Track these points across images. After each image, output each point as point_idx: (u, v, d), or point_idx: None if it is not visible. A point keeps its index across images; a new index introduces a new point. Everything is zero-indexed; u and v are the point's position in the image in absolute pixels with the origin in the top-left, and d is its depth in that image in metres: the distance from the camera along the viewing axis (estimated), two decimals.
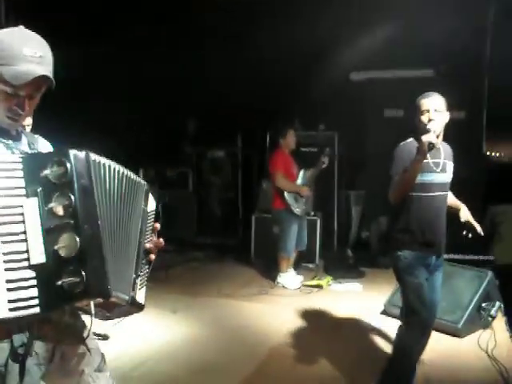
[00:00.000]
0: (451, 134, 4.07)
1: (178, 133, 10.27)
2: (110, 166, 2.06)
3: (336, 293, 7.13)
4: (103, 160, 2.04)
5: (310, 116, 8.92)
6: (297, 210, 7.21)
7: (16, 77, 1.97)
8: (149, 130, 9.73)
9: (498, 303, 5.84)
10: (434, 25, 8.46)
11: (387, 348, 4.95)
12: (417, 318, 3.87)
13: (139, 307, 2.34)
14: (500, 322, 5.82)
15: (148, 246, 2.40)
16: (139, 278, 2.31)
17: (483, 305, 5.66)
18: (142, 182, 2.35)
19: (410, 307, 3.90)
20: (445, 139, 4.01)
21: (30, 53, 1.98)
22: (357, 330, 5.69)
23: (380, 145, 8.60)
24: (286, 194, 7.17)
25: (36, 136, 2.31)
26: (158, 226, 2.46)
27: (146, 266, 2.42)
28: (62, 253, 1.84)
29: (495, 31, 8.63)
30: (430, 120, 3.78)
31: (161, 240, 2.48)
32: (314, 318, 6.09)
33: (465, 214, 4.17)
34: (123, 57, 9.23)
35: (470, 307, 5.52)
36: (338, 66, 8.90)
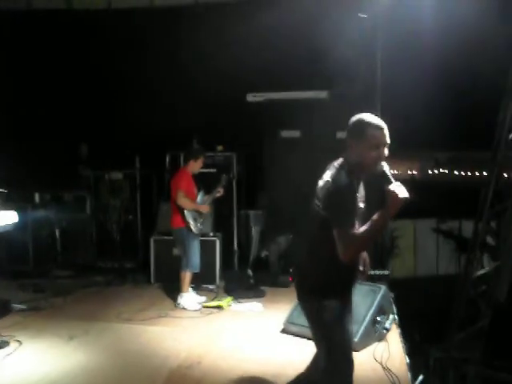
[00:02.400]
0: None
1: (75, 156, 10.05)
2: None
3: (236, 313, 7.14)
4: None
5: (208, 137, 8.97)
6: (194, 229, 7.24)
7: None
8: (43, 154, 9.49)
9: (391, 316, 6.05)
10: (329, 48, 8.74)
11: (286, 365, 4.99)
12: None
13: None
14: (394, 334, 6.03)
15: None
16: None
17: (378, 318, 5.84)
18: None
19: (332, 367, 3.53)
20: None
21: None
22: (257, 350, 5.71)
23: (277, 165, 8.78)
24: (185, 212, 7.20)
25: None
26: None
27: None
28: None
29: (385, 55, 8.99)
30: (380, 158, 3.37)
31: None
32: (214, 339, 6.06)
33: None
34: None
35: (366, 321, 5.67)
36: (234, 88, 9.00)
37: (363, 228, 3.25)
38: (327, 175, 3.41)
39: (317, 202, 3.42)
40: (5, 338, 5.80)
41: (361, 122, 3.41)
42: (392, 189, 3.20)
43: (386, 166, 3.33)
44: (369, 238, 3.28)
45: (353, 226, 3.28)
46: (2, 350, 5.57)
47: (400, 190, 3.19)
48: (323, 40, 8.78)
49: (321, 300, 3.47)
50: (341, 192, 3.29)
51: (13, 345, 5.71)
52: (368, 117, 3.43)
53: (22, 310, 7.06)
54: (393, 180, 3.26)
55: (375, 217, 3.25)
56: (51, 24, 9.60)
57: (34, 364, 5.29)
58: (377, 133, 3.35)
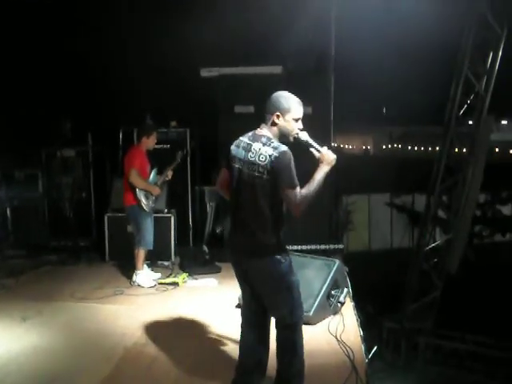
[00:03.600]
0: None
1: (27, 133, 9.81)
2: None
3: (192, 289, 7.15)
4: None
5: (162, 113, 8.89)
6: (146, 206, 7.20)
7: None
8: None
9: (346, 290, 6.11)
10: (282, 22, 8.73)
11: None
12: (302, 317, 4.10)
13: None
14: (348, 308, 6.11)
15: None
16: None
17: (332, 292, 5.90)
18: None
19: (298, 307, 4.04)
20: None
21: None
22: (212, 326, 5.73)
23: (231, 140, 8.72)
24: (137, 190, 7.14)
25: None
26: None
27: None
28: None
29: (339, 29, 9.01)
30: (299, 128, 3.99)
31: None
32: (170, 316, 6.07)
33: None
34: None
35: (320, 295, 5.73)
36: (188, 63, 8.90)
37: (308, 186, 3.79)
38: (258, 145, 3.87)
39: (258, 169, 3.83)
40: None
41: (287, 98, 3.95)
42: (325, 152, 3.91)
43: (306, 135, 4.01)
44: (314, 193, 3.79)
45: (298, 185, 3.78)
46: None
47: (330, 152, 3.92)
48: (278, 15, 8.76)
49: (277, 256, 3.90)
50: (287, 157, 3.78)
51: None
52: (290, 94, 3.99)
53: None
54: (319, 146, 3.97)
55: (316, 175, 3.85)
56: None
57: None
58: (299, 107, 3.96)
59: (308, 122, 4.22)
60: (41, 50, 9.31)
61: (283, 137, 3.95)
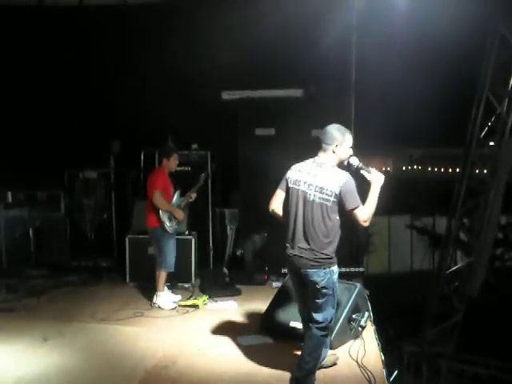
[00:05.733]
0: None
1: (49, 153, 9.92)
2: None
3: (212, 312, 7.12)
4: None
5: (183, 135, 8.95)
6: (169, 228, 7.21)
7: None
8: (16, 152, 9.42)
9: (367, 313, 6.07)
10: (303, 46, 8.79)
11: (262, 364, 5.01)
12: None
13: None
14: (369, 331, 6.06)
15: None
16: None
17: (353, 316, 5.86)
18: None
19: (332, 316, 4.63)
20: None
21: None
22: (233, 348, 5.71)
23: (252, 163, 8.75)
24: (160, 212, 7.16)
25: None
26: None
27: None
28: None
29: (359, 53, 9.06)
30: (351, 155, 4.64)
31: None
32: (190, 338, 6.06)
33: None
34: None
35: (341, 320, 5.68)
36: (209, 86, 8.98)
37: (368, 205, 4.43)
38: (324, 172, 4.48)
39: (327, 193, 4.41)
40: None
41: (342, 130, 4.60)
42: (374, 173, 4.53)
43: (357, 160, 4.62)
44: (374, 207, 4.45)
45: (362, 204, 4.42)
46: None
47: (379, 173, 4.53)
48: (299, 39, 8.83)
49: (333, 267, 4.53)
50: (352, 182, 4.42)
51: None
52: (342, 126, 4.63)
53: None
54: (368, 168, 4.58)
55: (371, 194, 4.47)
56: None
57: (7, 367, 5.23)
58: (351, 137, 4.63)
59: None
60: (65, 72, 9.48)
61: (340, 163, 4.59)
